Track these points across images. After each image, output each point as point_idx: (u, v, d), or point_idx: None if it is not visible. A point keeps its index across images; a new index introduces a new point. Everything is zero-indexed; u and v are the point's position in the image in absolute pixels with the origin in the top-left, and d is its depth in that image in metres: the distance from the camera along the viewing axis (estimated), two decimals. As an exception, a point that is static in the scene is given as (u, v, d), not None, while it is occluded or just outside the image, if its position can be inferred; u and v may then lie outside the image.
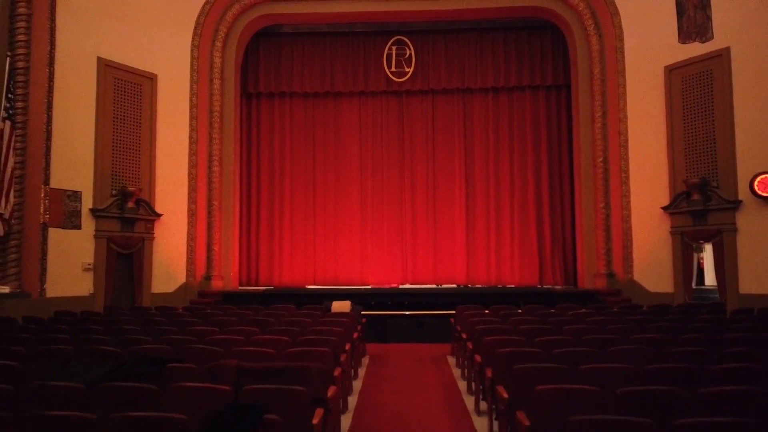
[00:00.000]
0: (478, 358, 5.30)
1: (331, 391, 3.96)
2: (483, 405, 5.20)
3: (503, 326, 6.03)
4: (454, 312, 8.45)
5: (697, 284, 10.91)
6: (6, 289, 8.40)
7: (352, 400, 5.78)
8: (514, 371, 3.83)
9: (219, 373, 3.69)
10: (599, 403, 3.10)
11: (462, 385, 6.42)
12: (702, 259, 11.31)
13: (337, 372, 4.63)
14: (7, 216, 8.29)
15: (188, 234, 11.14)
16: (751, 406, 3.05)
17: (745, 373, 3.70)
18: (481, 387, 5.25)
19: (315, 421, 3.34)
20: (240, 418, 2.45)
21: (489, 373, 4.65)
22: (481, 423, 4.97)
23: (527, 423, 3.29)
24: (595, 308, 7.42)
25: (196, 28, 11.34)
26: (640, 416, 2.65)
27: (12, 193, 8.34)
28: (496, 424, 4.49)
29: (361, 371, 7.31)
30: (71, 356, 4.38)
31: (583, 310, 7.08)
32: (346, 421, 5.04)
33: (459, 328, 7.45)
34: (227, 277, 11.59)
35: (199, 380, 3.57)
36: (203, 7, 11.39)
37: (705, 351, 4.42)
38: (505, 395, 3.92)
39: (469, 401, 5.68)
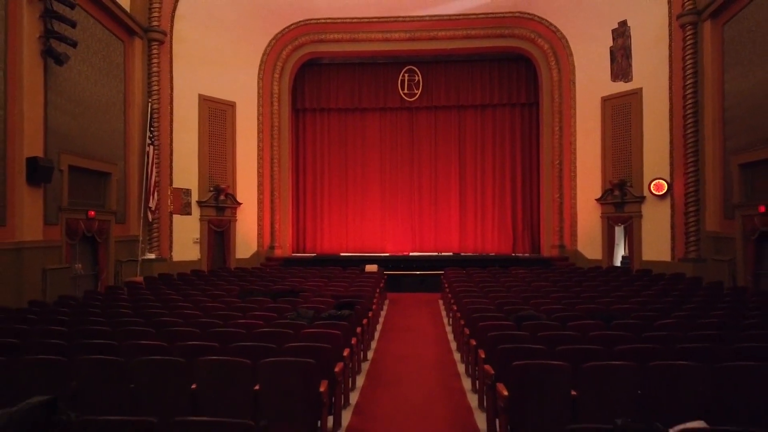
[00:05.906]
0: (449, 295, 9.70)
1: (374, 305, 8.40)
2: (451, 320, 9.63)
3: (467, 278, 10.42)
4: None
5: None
6: (153, 255, 12.98)
7: (381, 319, 10.26)
8: (460, 296, 8.21)
9: (324, 297, 8.12)
10: (487, 307, 7.42)
11: (443, 312, 10.87)
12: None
13: (374, 301, 9.07)
14: (153, 208, 12.79)
15: (258, 216, 15.58)
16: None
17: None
18: (449, 312, 9.66)
19: (369, 314, 7.78)
20: (347, 304, 6.83)
21: (452, 301, 9.06)
22: (449, 328, 9.41)
23: (462, 322, 7.63)
24: (529, 270, 11.73)
25: (260, 65, 15.48)
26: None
27: (156, 193, 12.81)
28: (452, 328, 8.92)
29: (385, 307, 11.79)
30: (245, 291, 8.82)
31: (521, 271, 11.40)
32: (379, 326, 9.51)
33: (445, 281, 11.82)
34: (284, 247, 16.08)
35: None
36: (265, 49, 15.50)
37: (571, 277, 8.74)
38: (455, 307, 8.32)
39: (446, 320, 10.13)
